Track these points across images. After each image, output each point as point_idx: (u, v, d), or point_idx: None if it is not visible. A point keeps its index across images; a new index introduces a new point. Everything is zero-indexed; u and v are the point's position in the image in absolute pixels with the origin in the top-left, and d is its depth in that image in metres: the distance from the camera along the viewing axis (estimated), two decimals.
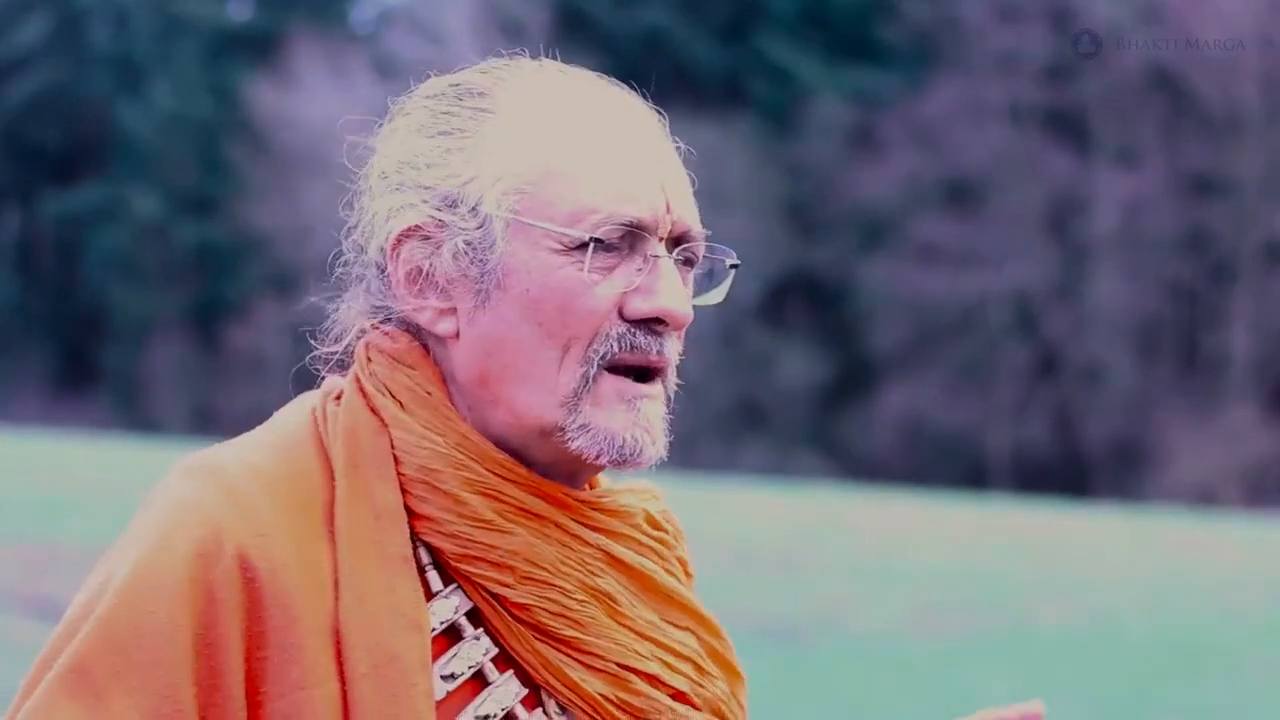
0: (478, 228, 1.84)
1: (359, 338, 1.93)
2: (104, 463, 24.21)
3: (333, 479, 1.83)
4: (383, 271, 1.89)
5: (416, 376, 1.87)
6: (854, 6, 37.80)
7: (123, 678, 1.72)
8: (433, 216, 1.85)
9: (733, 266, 1.93)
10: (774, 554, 19.16)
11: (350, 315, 1.94)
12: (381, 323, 1.91)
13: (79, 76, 39.75)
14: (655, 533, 1.93)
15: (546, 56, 1.96)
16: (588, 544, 1.85)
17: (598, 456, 1.83)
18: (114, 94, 39.12)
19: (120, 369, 37.71)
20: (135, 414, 36.44)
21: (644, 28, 37.25)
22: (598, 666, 1.83)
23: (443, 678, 1.79)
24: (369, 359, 1.89)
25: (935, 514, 26.11)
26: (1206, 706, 12.35)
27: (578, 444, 1.82)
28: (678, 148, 1.94)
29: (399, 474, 1.83)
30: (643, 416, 1.84)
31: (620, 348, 1.83)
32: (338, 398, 1.89)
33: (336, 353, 1.95)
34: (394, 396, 1.86)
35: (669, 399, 1.90)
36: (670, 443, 2.00)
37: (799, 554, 19.39)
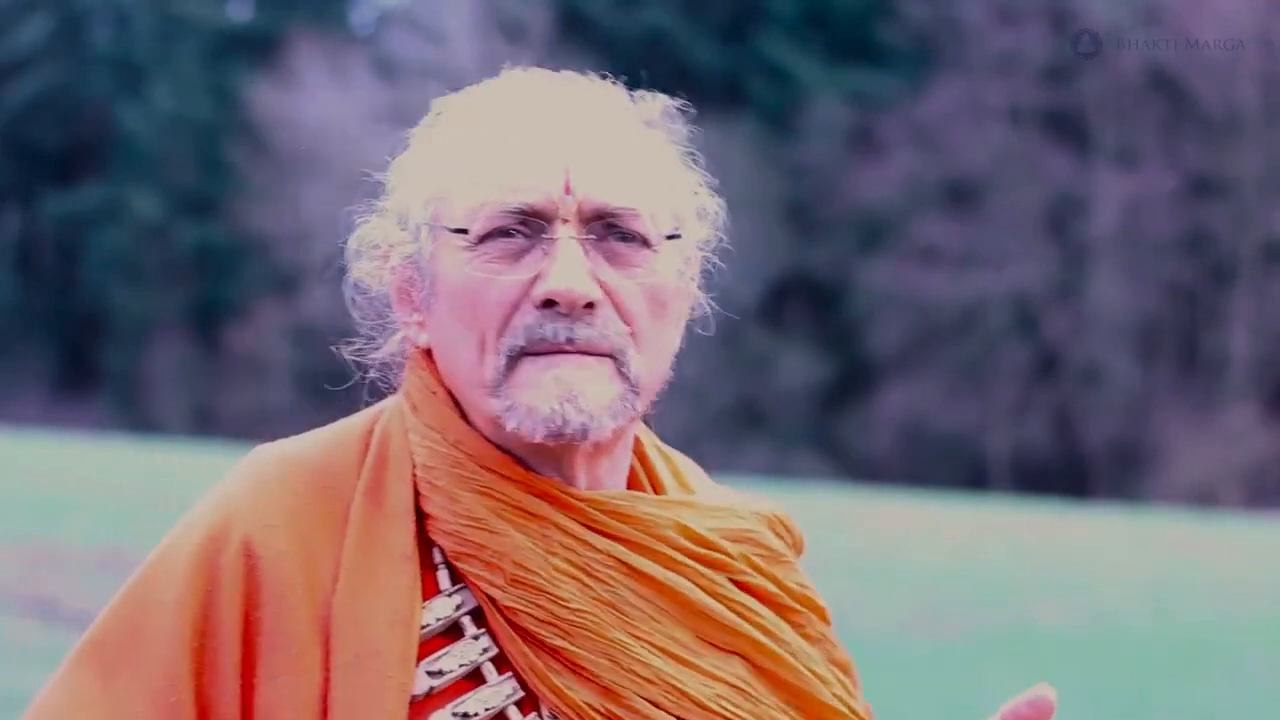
0: (414, 240, 1.90)
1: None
2: (104, 463, 24.23)
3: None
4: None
5: (426, 377, 1.91)
6: (854, 8, 37.80)
7: (130, 656, 1.80)
8: (392, 236, 1.92)
9: (670, 237, 1.90)
10: None
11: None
12: None
13: (79, 77, 39.75)
14: (700, 549, 1.89)
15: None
16: (597, 549, 1.84)
17: (533, 434, 1.82)
18: (114, 95, 39.11)
19: (120, 369, 37.70)
20: (135, 415, 36.43)
21: (644, 28, 37.24)
22: (586, 677, 1.82)
23: (429, 673, 1.81)
24: (408, 367, 1.95)
25: (935, 514, 26.11)
26: (1206, 706, 12.35)
27: (511, 426, 1.83)
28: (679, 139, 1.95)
29: (414, 475, 1.87)
30: (561, 385, 1.82)
31: (528, 339, 1.83)
32: None
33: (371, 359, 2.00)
34: (410, 399, 1.92)
35: (627, 375, 1.86)
36: (674, 439, 1.98)
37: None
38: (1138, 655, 14.43)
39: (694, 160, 1.97)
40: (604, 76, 1.97)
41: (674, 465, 2.02)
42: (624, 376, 1.85)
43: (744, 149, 34.47)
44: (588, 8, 37.23)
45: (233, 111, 37.78)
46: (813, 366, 35.67)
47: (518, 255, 1.84)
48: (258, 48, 38.42)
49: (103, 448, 28.22)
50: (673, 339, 1.93)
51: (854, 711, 1.96)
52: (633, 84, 2.01)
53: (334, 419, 1.98)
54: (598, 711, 1.81)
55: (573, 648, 1.81)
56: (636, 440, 1.97)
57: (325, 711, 1.77)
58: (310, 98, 36.56)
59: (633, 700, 1.82)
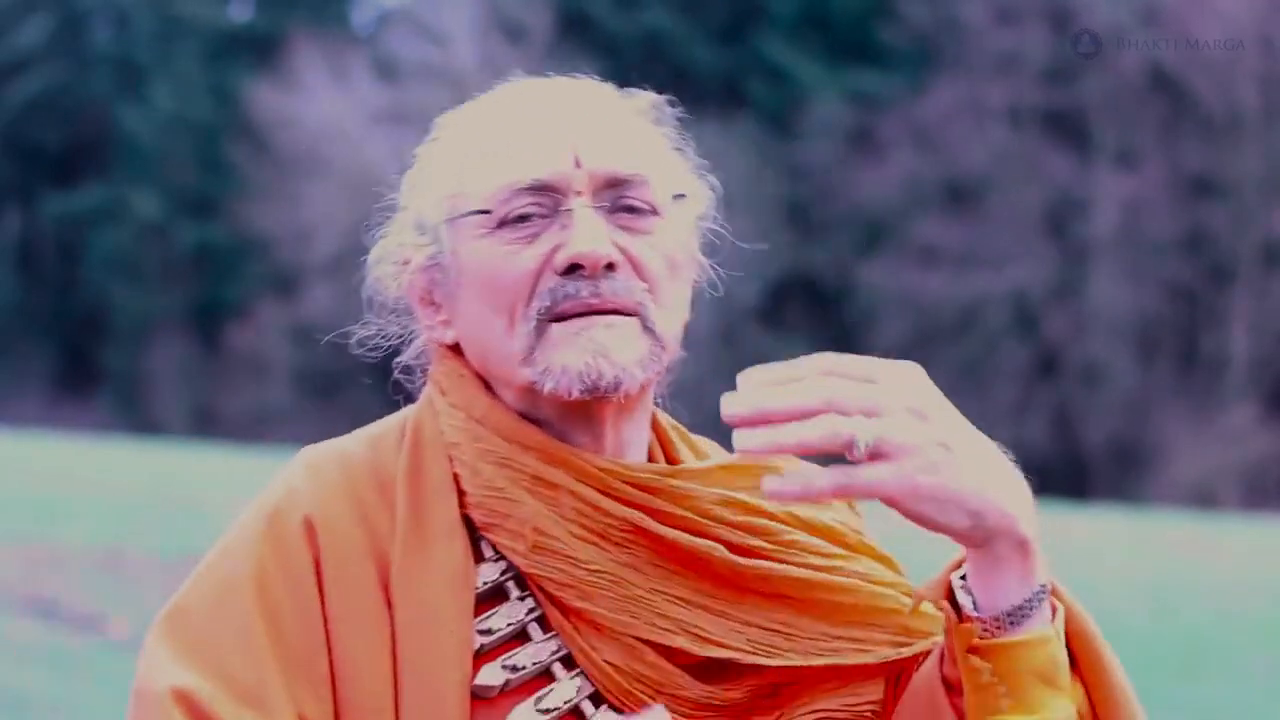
0: (433, 241, 1.99)
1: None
2: (104, 463, 24.25)
3: None
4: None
5: (453, 365, 2.01)
6: (854, 8, 37.80)
7: (212, 615, 1.91)
8: (410, 244, 2.02)
9: (677, 197, 2.00)
10: None
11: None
12: None
13: (80, 77, 39.76)
14: (742, 517, 1.95)
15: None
16: (612, 515, 1.91)
17: (569, 392, 1.91)
18: (114, 95, 39.12)
19: (120, 369, 37.71)
20: (135, 415, 36.44)
21: (644, 29, 37.25)
22: (609, 636, 1.90)
23: (480, 632, 1.90)
24: (435, 359, 2.06)
25: None
26: (1206, 706, 12.35)
27: (548, 388, 1.91)
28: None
29: (449, 455, 1.97)
30: (593, 342, 1.91)
31: (554, 299, 1.92)
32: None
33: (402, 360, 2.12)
34: (438, 385, 2.02)
35: (652, 330, 1.95)
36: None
37: None
38: (1138, 655, 14.38)
39: (683, 148, 2.06)
40: (600, 77, 2.07)
41: (689, 439, 2.09)
42: (650, 332, 1.95)
43: (744, 149, 34.47)
44: (588, 8, 37.23)
45: (233, 111, 37.78)
46: None
47: (535, 236, 1.94)
48: (258, 48, 38.43)
49: (103, 448, 28.24)
50: (684, 298, 2.03)
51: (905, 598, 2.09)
52: (632, 84, 2.06)
53: (334, 418, 2.05)
54: (620, 671, 1.89)
55: (593, 608, 1.89)
56: (653, 415, 2.05)
57: (396, 666, 1.89)
58: (310, 98, 36.56)
59: (648, 655, 1.89)
